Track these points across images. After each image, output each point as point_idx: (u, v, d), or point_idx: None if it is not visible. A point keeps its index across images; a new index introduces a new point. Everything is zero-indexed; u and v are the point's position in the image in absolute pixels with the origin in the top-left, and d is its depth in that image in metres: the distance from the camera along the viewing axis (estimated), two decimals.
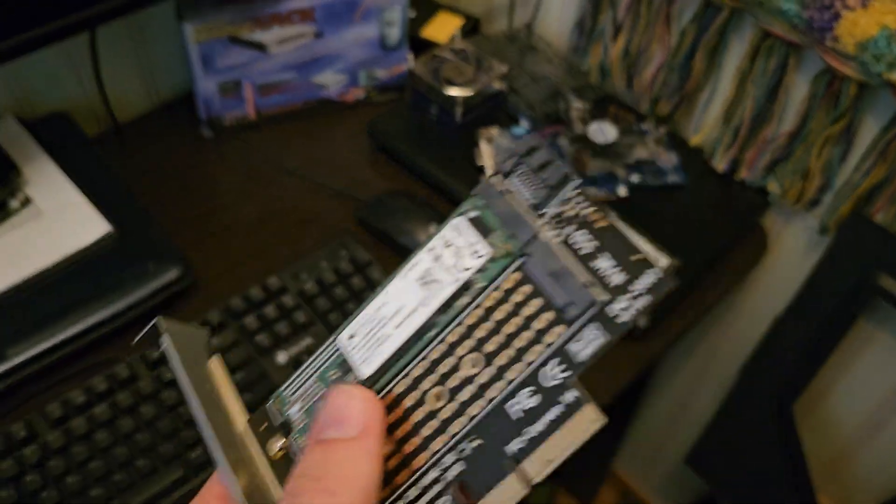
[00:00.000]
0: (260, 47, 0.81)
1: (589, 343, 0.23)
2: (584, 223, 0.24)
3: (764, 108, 0.76)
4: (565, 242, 0.24)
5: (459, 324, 0.25)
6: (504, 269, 0.25)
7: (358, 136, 0.87)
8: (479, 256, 0.25)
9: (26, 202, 0.73)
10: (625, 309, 0.23)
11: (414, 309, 0.26)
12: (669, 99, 0.84)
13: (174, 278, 0.71)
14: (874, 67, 0.65)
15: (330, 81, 0.88)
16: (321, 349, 0.27)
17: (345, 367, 0.26)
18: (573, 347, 0.23)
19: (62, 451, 0.60)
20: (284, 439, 0.27)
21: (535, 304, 0.24)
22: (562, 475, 1.33)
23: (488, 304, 0.24)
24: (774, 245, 0.85)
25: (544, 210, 0.25)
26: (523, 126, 0.84)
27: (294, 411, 0.27)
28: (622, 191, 0.79)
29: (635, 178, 0.80)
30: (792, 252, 0.84)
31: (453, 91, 0.82)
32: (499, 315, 0.24)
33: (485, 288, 0.25)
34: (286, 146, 0.87)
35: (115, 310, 0.68)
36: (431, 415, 0.24)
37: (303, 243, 0.77)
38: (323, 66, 0.86)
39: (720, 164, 0.82)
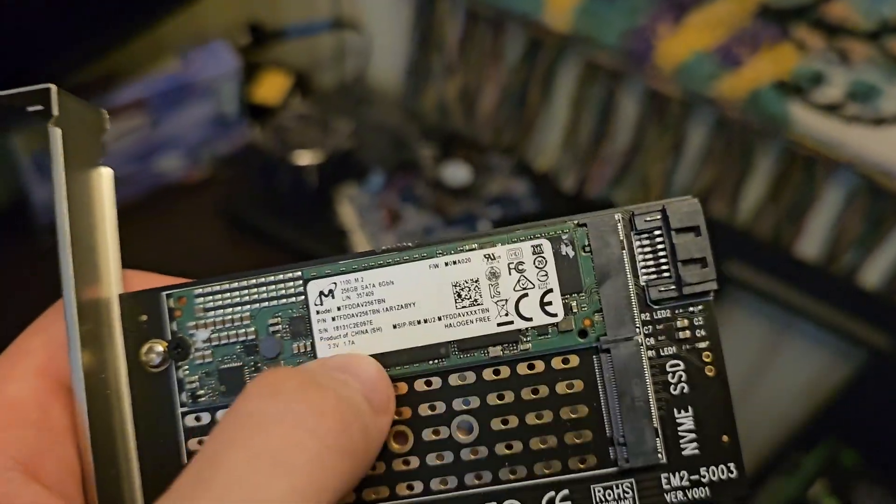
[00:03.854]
0: None
1: (617, 500, 0.19)
2: (690, 356, 0.19)
3: (600, 129, 0.82)
4: (659, 364, 0.19)
5: (476, 374, 0.19)
6: (568, 349, 0.19)
7: (210, 217, 0.85)
8: (549, 313, 0.19)
9: None
10: (677, 490, 0.19)
11: (430, 318, 0.20)
12: (510, 130, 0.88)
13: None
14: (690, 86, 0.71)
15: (171, 166, 0.85)
16: (277, 275, 0.20)
17: (297, 327, 0.20)
18: (598, 492, 0.19)
19: None
20: (167, 355, 0.20)
21: (581, 410, 0.19)
22: None
23: (522, 371, 0.19)
24: None
25: (658, 309, 0.20)
26: (377, 180, 0.85)
27: (200, 336, 0.20)
28: (485, 228, 0.82)
29: (495, 212, 0.83)
30: None
31: (304, 159, 0.82)
32: (527, 393, 0.19)
33: (530, 354, 0.19)
34: (138, 240, 0.83)
35: None
36: (382, 455, 0.19)
37: None
38: (162, 152, 0.83)
39: (567, 184, 0.87)
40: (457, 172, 0.84)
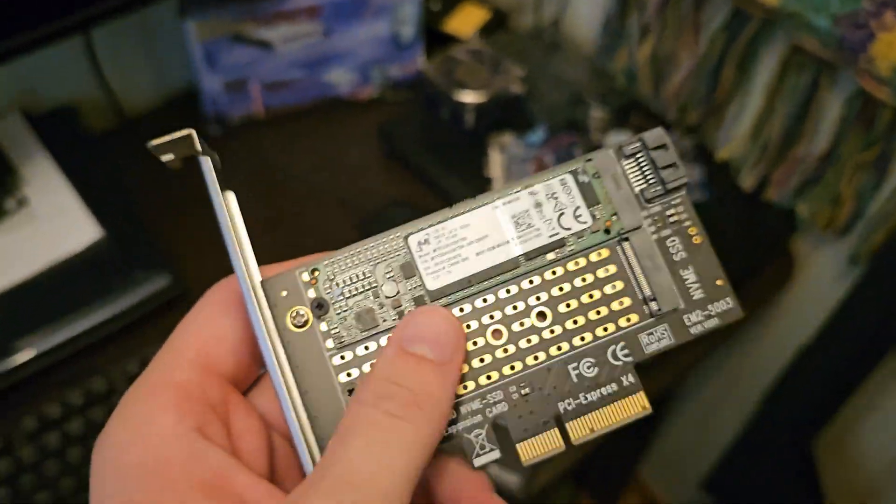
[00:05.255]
0: (265, 45, 0.79)
1: (659, 339, 0.25)
2: (681, 232, 0.26)
3: (794, 125, 0.71)
4: (661, 242, 0.26)
5: (540, 275, 0.26)
6: (600, 243, 0.26)
7: (369, 137, 0.84)
8: (581, 222, 0.26)
9: (23, 203, 0.73)
10: (697, 323, 0.25)
11: (500, 243, 0.26)
12: (697, 108, 0.79)
13: (163, 287, 0.69)
14: None
15: (341, 80, 0.85)
16: (382, 239, 0.26)
17: (407, 271, 0.26)
18: (643, 338, 0.25)
19: (35, 467, 0.60)
20: (309, 315, 0.25)
21: (618, 285, 0.25)
22: (584, 479, 1.29)
23: (572, 267, 0.26)
24: (802, 271, 0.79)
25: (652, 205, 0.26)
26: (539, 134, 0.80)
27: (336, 293, 0.26)
28: None
29: None
30: (820, 279, 0.78)
31: (465, 96, 0.78)
32: (578, 282, 0.26)
33: (575, 252, 0.26)
34: (295, 146, 0.84)
35: (101, 318, 0.67)
36: (486, 349, 0.25)
37: (302, 255, 0.74)
38: (333, 64, 0.83)
39: (747, 181, 0.77)
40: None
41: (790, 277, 0.78)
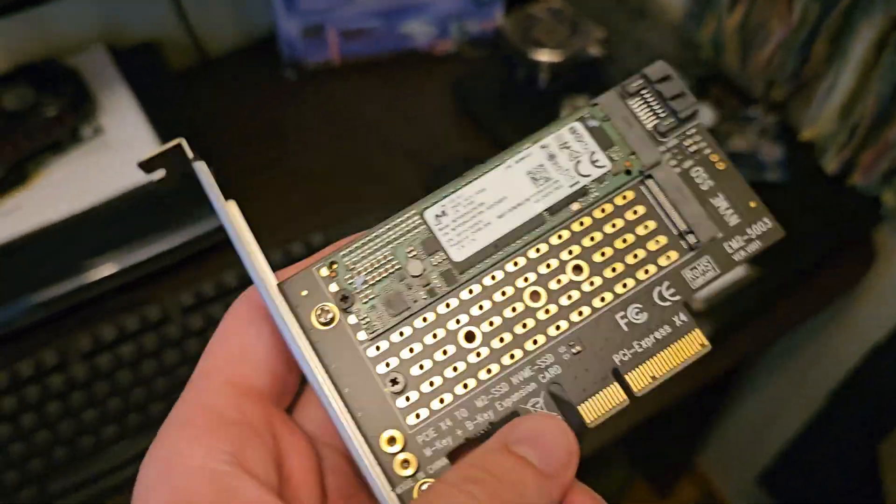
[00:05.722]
0: None
1: (704, 272, 0.24)
2: (703, 161, 0.25)
3: (888, 106, 0.66)
4: (685, 174, 0.25)
5: (567, 228, 0.25)
6: (623, 185, 0.25)
7: (443, 93, 0.83)
8: (600, 166, 0.25)
9: (98, 131, 0.75)
10: (739, 249, 0.24)
11: (521, 202, 0.25)
12: (785, 84, 0.75)
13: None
14: None
15: (418, 32, 0.84)
16: (397, 220, 0.25)
17: (429, 246, 0.25)
18: (687, 274, 0.24)
19: (85, 386, 0.62)
20: (335, 311, 0.24)
21: (650, 224, 0.25)
22: (641, 463, 1.27)
23: (599, 215, 0.25)
24: (882, 263, 0.74)
25: (667, 139, 0.25)
26: None
27: (359, 282, 0.24)
28: None
29: None
30: None
31: (541, 55, 0.76)
32: (609, 228, 0.25)
33: (599, 199, 0.25)
34: (368, 96, 0.84)
35: (161, 249, 0.69)
36: (527, 313, 0.24)
37: (364, 202, 0.74)
38: (410, 15, 0.82)
39: (831, 164, 0.73)
40: (701, 113, 0.74)
41: (870, 269, 0.73)
